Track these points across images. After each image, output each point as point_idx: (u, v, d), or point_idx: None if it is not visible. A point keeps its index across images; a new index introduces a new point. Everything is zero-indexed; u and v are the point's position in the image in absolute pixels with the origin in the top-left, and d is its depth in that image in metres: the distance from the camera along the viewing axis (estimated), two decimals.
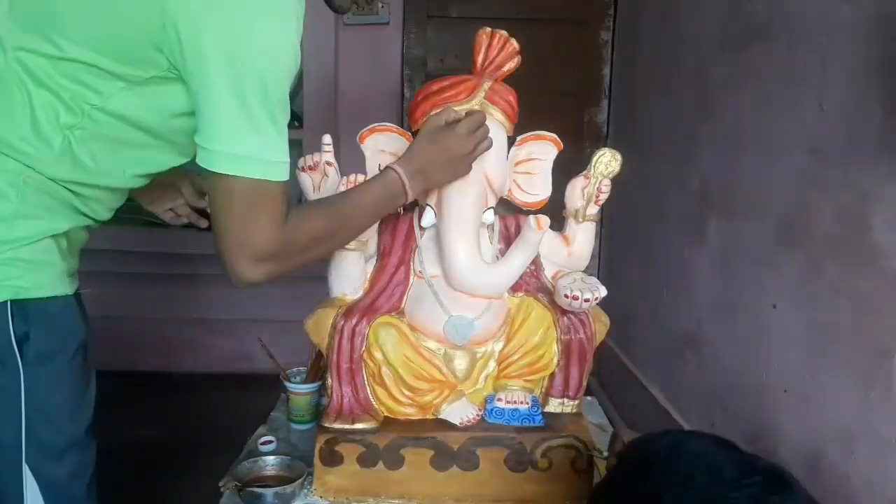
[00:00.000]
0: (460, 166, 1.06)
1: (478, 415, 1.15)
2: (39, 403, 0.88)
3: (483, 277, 1.08)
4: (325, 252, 1.04)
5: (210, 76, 0.80)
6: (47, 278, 0.89)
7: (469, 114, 1.05)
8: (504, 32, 1.14)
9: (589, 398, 1.47)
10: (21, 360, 0.86)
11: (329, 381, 1.13)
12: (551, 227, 1.09)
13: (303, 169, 1.14)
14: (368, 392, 1.14)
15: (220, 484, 1.14)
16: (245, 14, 0.79)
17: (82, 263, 0.98)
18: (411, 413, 1.15)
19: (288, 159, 0.87)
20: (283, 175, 0.85)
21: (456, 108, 1.07)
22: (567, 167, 1.21)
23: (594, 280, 1.12)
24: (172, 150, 0.94)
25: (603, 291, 1.10)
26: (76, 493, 0.94)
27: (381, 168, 1.06)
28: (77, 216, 0.93)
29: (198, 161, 0.85)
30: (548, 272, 1.19)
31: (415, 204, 1.18)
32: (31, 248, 0.87)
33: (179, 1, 0.78)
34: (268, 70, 0.81)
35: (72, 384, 0.92)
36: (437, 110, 1.09)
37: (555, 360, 1.17)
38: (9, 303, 0.85)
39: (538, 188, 1.20)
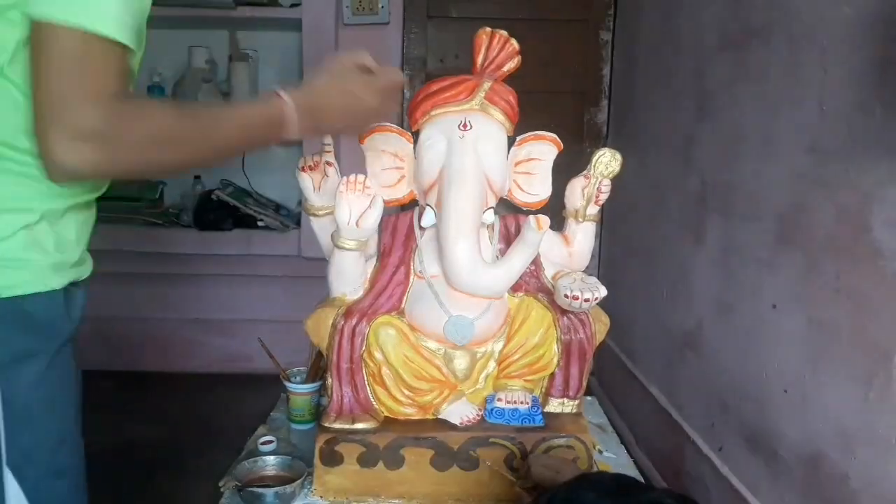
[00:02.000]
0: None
1: (478, 415, 1.15)
2: (18, 405, 0.84)
3: (483, 277, 1.08)
4: (169, 160, 0.80)
5: None
6: (26, 276, 0.82)
7: (386, 70, 0.93)
8: (504, 32, 1.14)
9: (589, 398, 1.47)
10: None
11: (329, 381, 1.13)
12: (551, 227, 1.09)
13: (303, 169, 1.14)
14: (368, 392, 1.14)
15: (220, 484, 1.14)
16: None
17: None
18: (411, 413, 1.15)
19: (131, 20, 0.73)
20: (118, 32, 0.71)
21: (367, 57, 0.93)
22: (567, 167, 1.21)
23: (594, 280, 1.12)
24: None
25: (603, 291, 1.10)
26: (61, 494, 0.92)
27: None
28: (49, 196, 0.82)
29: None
30: (548, 272, 1.19)
31: (414, 203, 1.18)
32: (6, 244, 0.80)
33: None
34: None
35: (54, 383, 0.89)
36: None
37: (555, 360, 1.17)
38: None
39: (538, 188, 1.20)
